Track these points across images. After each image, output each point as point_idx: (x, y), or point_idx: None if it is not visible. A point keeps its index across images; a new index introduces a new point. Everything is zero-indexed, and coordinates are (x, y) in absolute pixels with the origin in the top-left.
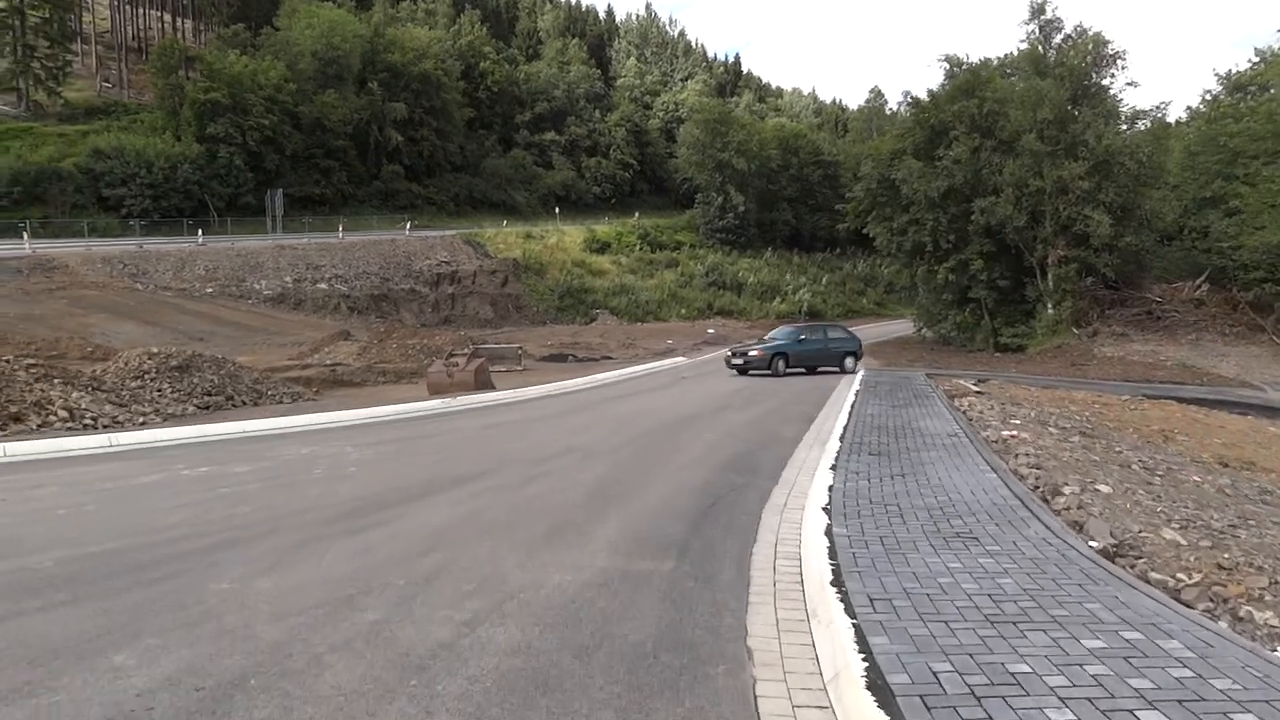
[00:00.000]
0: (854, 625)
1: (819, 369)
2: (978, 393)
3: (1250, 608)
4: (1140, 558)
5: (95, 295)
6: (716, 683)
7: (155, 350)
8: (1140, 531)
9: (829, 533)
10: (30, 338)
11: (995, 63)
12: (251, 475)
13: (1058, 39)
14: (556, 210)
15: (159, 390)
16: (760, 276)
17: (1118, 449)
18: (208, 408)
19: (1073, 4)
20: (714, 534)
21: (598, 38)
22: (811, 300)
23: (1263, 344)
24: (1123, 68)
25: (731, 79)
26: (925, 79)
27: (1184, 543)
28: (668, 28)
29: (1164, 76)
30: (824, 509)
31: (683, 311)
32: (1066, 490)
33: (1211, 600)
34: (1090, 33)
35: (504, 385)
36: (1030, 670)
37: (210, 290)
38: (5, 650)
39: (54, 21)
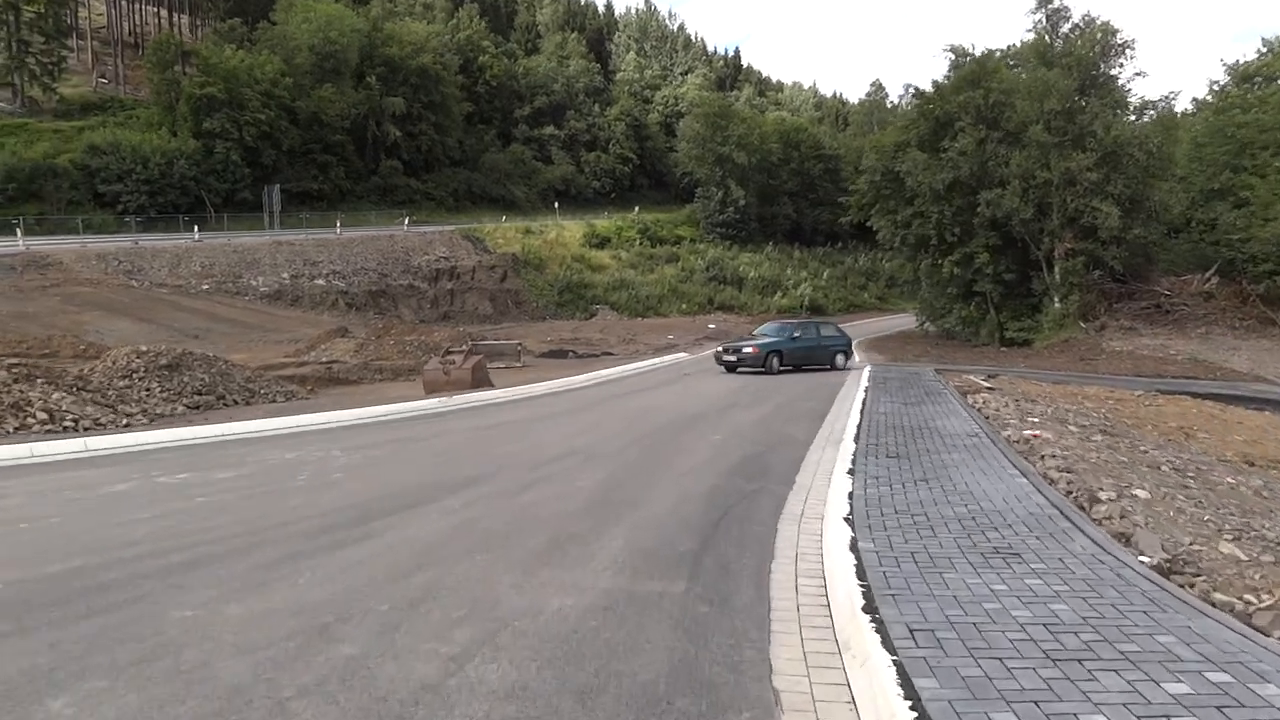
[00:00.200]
0: (894, 663)
1: (811, 367)
2: (989, 388)
3: None
4: (1199, 575)
5: (89, 292)
6: None
7: (144, 348)
8: (1192, 544)
9: (854, 548)
10: (22, 336)
11: (1001, 53)
12: (231, 483)
13: (1065, 28)
14: (556, 205)
15: (147, 390)
16: (761, 271)
17: (1142, 448)
18: (198, 407)
19: None
20: (727, 548)
21: (597, 31)
22: (813, 295)
23: (1274, 337)
24: (1131, 57)
25: (731, 73)
26: (928, 71)
27: (1244, 557)
28: (667, 21)
29: (1163, 70)
30: (845, 519)
31: (683, 307)
32: (1103, 495)
33: None
34: (1099, 21)
35: (502, 383)
36: None
37: (206, 287)
38: None
39: (49, 17)
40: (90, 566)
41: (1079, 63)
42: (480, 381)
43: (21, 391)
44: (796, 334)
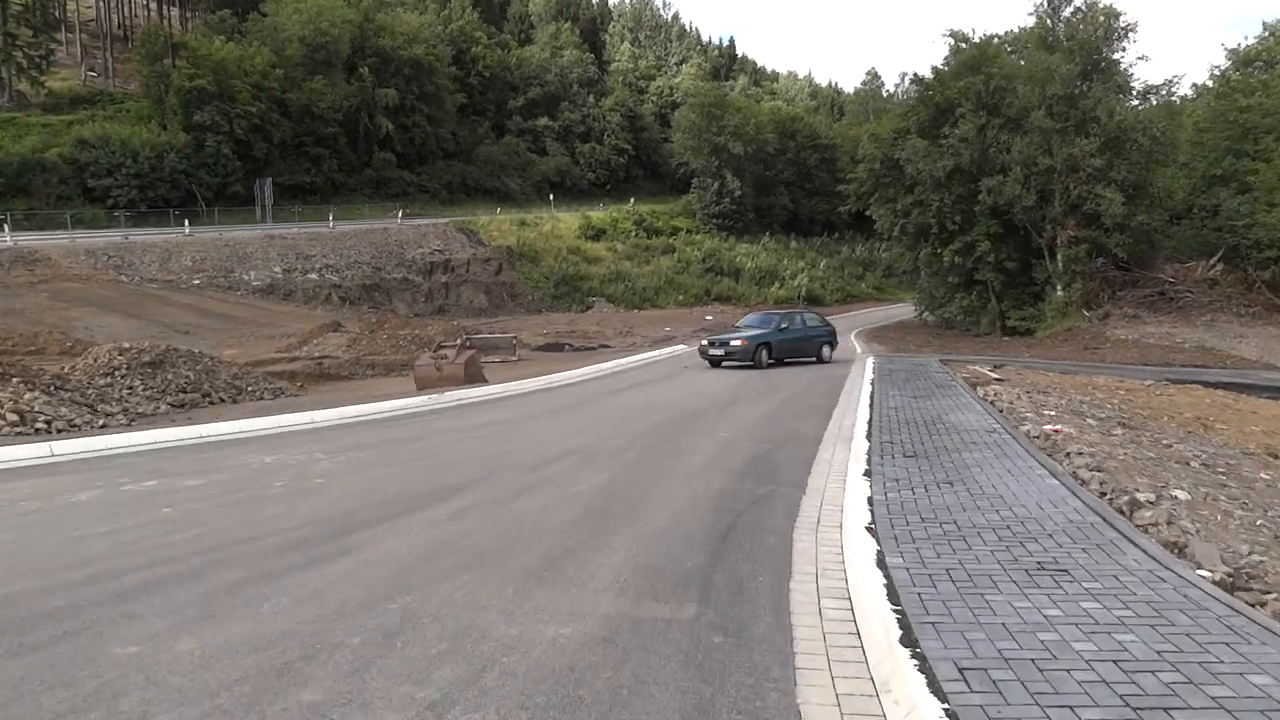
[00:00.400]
0: (947, 713)
1: (797, 360)
2: (997, 380)
3: None
4: (1268, 592)
5: (78, 288)
6: None
7: (127, 345)
8: (1250, 554)
9: (882, 563)
10: (8, 333)
11: (1000, 39)
12: (203, 491)
13: (1067, 11)
14: (551, 197)
15: (129, 388)
16: (758, 262)
17: (1165, 442)
18: (182, 406)
19: None
20: (739, 563)
21: (590, 22)
22: (810, 285)
23: None
24: (1134, 41)
25: (726, 63)
26: (924, 60)
27: None
28: (661, 11)
29: (1157, 56)
30: (868, 529)
31: (680, 298)
32: (1140, 497)
33: None
34: (1102, 4)
35: (497, 378)
36: None
37: (197, 282)
38: None
39: (36, 9)
40: (31, 592)
41: (1081, 47)
42: (474, 377)
43: None
44: (784, 325)
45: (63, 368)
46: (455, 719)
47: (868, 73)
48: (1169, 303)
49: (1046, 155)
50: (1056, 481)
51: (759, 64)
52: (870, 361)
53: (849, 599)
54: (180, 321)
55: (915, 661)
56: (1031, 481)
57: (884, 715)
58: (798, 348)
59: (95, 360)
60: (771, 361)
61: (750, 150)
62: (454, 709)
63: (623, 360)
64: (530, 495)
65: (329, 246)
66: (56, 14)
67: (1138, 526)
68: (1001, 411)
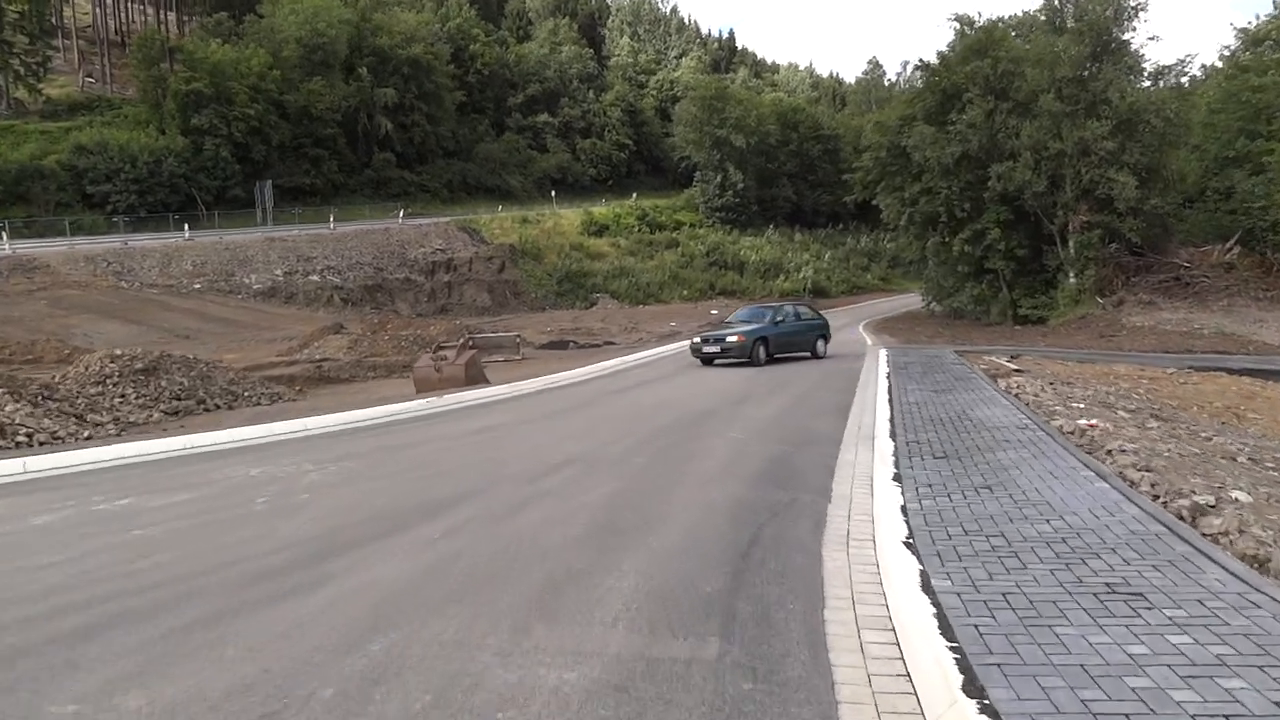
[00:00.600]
0: None
1: (791, 355)
2: (1016, 370)
3: None
4: None
5: (77, 295)
6: None
7: (119, 352)
8: None
9: (928, 587)
10: (4, 341)
11: (1008, 22)
12: (178, 510)
13: None
14: (552, 193)
15: (122, 396)
16: (762, 255)
17: (1204, 434)
18: (176, 413)
19: None
20: (765, 587)
21: (589, 17)
22: (815, 277)
23: None
24: (1145, 21)
25: (726, 55)
26: (926, 47)
27: None
28: (660, 5)
29: (1164, 37)
30: (906, 544)
31: (684, 293)
32: (1199, 500)
33: None
34: None
35: (499, 378)
36: None
37: (198, 286)
38: None
39: (33, 16)
40: None
41: (1091, 27)
42: (475, 378)
43: None
44: (779, 319)
45: (53, 377)
46: None
47: (869, 62)
48: (1184, 288)
49: (1057, 139)
50: (1105, 484)
51: (759, 56)
52: (883, 354)
53: (893, 630)
54: (181, 326)
55: (985, 718)
56: (1078, 484)
57: None
58: (793, 342)
59: (87, 368)
60: (768, 358)
61: (752, 142)
62: None
63: (628, 357)
64: (531, 509)
65: (330, 248)
66: (53, 20)
67: (1206, 536)
68: (1028, 405)
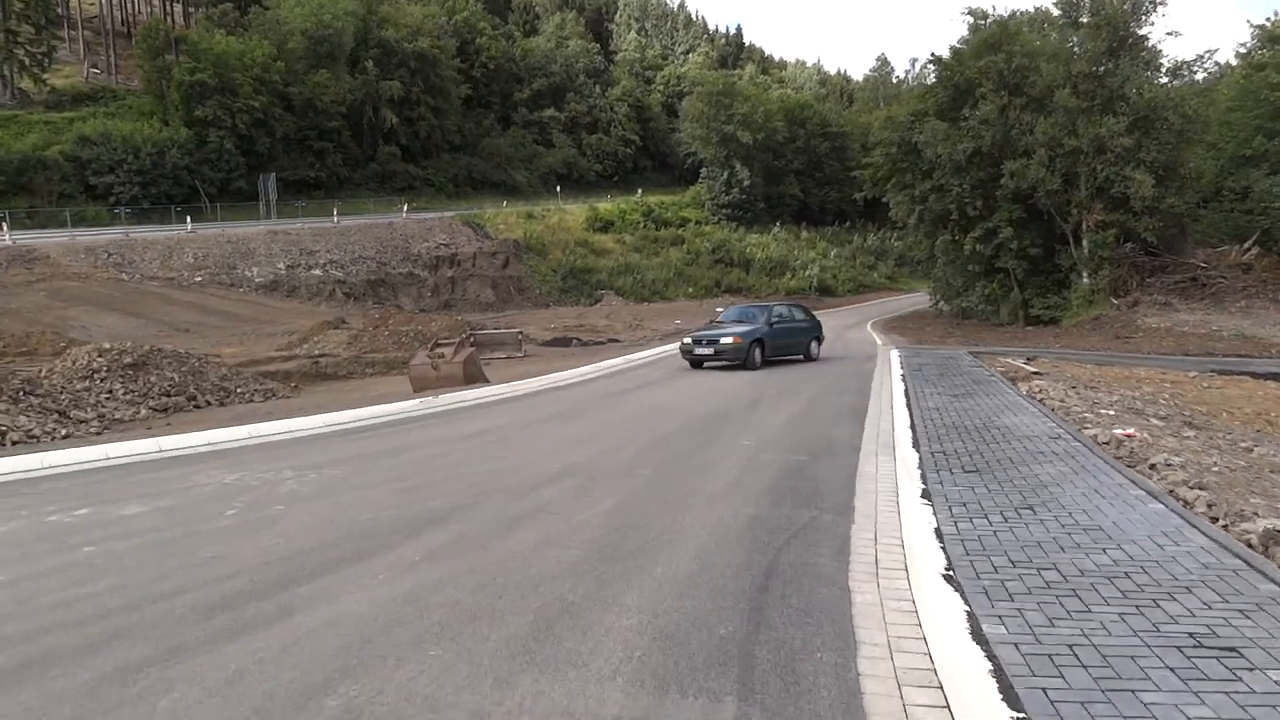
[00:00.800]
0: None
1: (785, 358)
2: (1035, 373)
3: None
4: None
5: (77, 287)
6: None
7: (108, 346)
8: None
9: (979, 634)
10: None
11: (1022, 17)
12: (138, 523)
13: None
14: (558, 189)
15: (109, 392)
16: (769, 252)
17: (1243, 444)
18: (165, 410)
19: None
20: (787, 629)
21: (596, 11)
22: (821, 275)
23: None
24: (1163, 15)
25: (734, 51)
26: (934, 44)
27: None
28: (667, 0)
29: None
30: (945, 577)
31: (690, 290)
32: (1265, 523)
33: None
34: None
35: (499, 376)
36: None
37: (199, 279)
38: None
39: (39, 6)
40: None
41: (1108, 21)
42: (473, 377)
43: None
44: (774, 320)
45: (39, 371)
46: None
47: (877, 59)
48: (1201, 289)
49: (1072, 136)
50: (1159, 505)
51: (766, 52)
52: (895, 355)
53: (940, 688)
54: (180, 319)
55: None
56: (1129, 505)
57: None
58: (788, 345)
59: (74, 363)
60: (763, 361)
61: (759, 139)
62: None
63: (632, 356)
64: (524, 528)
65: (333, 242)
66: (59, 11)
67: None
68: (1055, 411)
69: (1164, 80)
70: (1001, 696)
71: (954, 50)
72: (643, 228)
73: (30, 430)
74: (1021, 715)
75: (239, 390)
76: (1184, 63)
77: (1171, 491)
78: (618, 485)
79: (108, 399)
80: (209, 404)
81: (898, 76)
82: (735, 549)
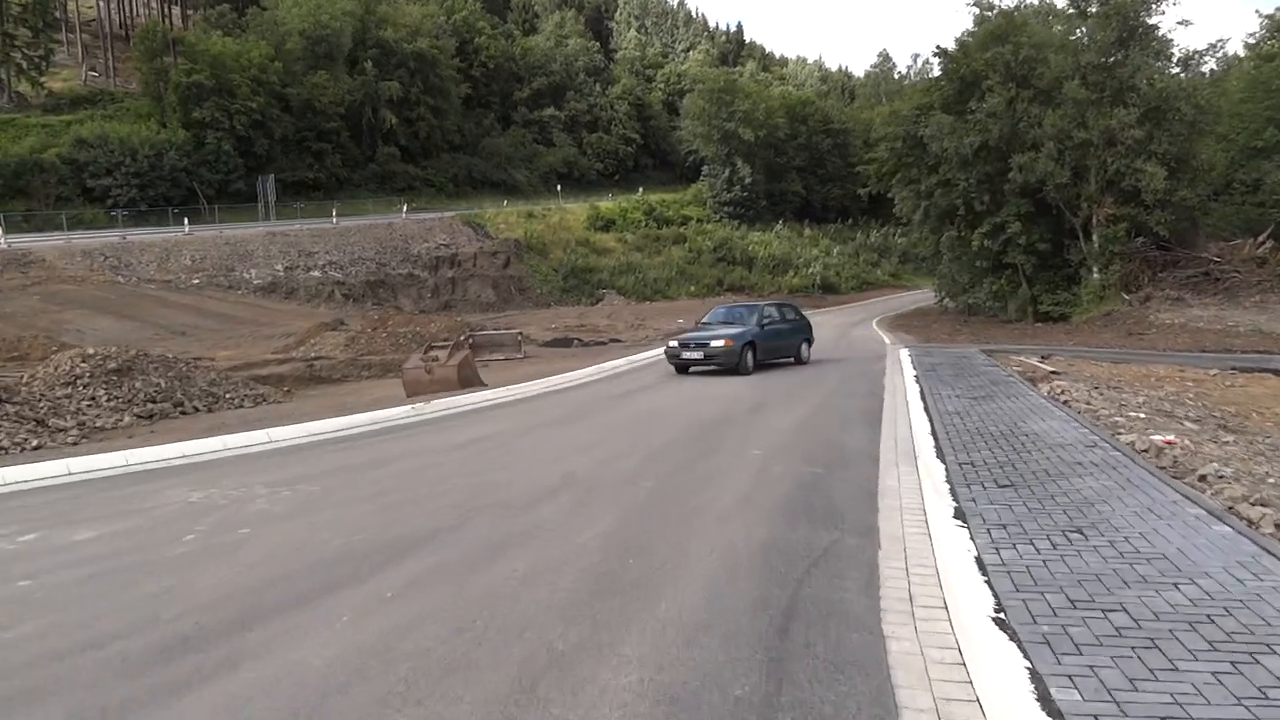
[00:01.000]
0: None
1: (777, 362)
2: (1053, 372)
3: None
4: None
5: (72, 290)
6: None
7: (92, 351)
8: None
9: (1047, 701)
10: None
11: (1027, 10)
12: (87, 550)
13: None
14: (558, 188)
15: (91, 399)
16: (771, 250)
17: None
18: (150, 417)
19: None
20: (814, 688)
21: (596, 10)
22: (824, 273)
23: None
24: (1174, 4)
25: (734, 48)
26: (937, 39)
27: None
28: None
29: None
30: (995, 620)
31: (692, 289)
32: None
33: None
34: None
35: (497, 379)
36: None
37: (197, 281)
38: None
39: (36, 9)
40: None
41: (1118, 10)
42: (468, 380)
43: None
44: (765, 321)
45: (20, 378)
46: None
47: (879, 55)
48: (1214, 284)
49: (1081, 128)
50: (1225, 527)
51: (767, 49)
52: (905, 354)
53: None
54: (177, 322)
55: None
56: (1190, 527)
57: None
58: (780, 347)
59: (56, 368)
60: (755, 365)
61: (761, 136)
62: None
63: (634, 356)
64: (511, 554)
65: (332, 243)
66: (57, 14)
67: None
68: (1082, 414)
69: (1175, 71)
70: None
71: (960, 42)
72: (644, 226)
73: None
74: None
75: (228, 395)
76: (1196, 52)
77: (1232, 509)
78: (618, 500)
79: (90, 406)
80: (197, 410)
81: (899, 72)
82: (749, 580)
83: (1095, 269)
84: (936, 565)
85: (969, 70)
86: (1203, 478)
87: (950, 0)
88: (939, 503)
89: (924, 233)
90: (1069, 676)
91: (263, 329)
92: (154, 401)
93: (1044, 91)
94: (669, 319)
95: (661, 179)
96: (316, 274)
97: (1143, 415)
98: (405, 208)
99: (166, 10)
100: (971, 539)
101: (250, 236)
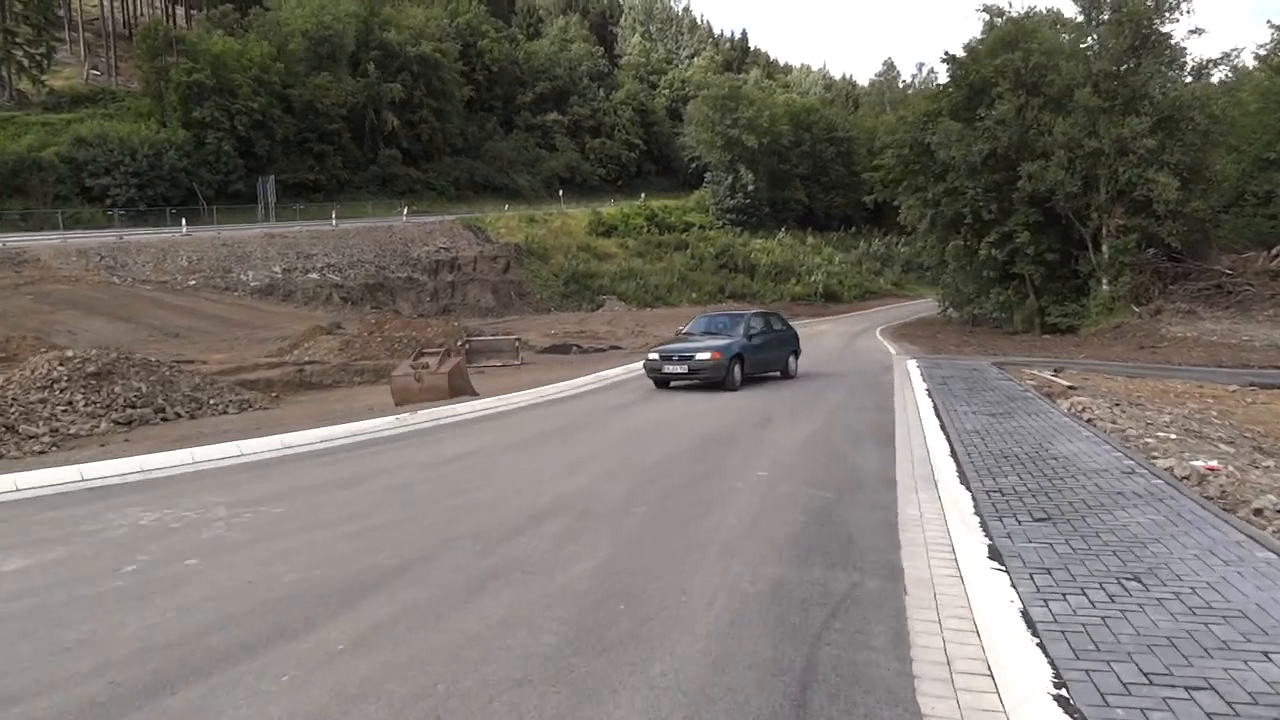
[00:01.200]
0: None
1: (763, 377)
2: (1070, 387)
3: None
4: None
5: (66, 290)
6: None
7: (70, 353)
8: None
9: None
10: None
11: (1036, 17)
12: (10, 584)
13: None
14: (560, 193)
15: (68, 404)
16: (774, 257)
17: None
18: (129, 423)
19: None
20: None
21: (600, 15)
22: (827, 281)
23: None
24: (1188, 12)
25: (739, 55)
26: (940, 48)
27: None
28: (672, 4)
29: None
30: (1057, 699)
31: (693, 296)
32: None
33: None
34: None
35: (493, 387)
36: None
37: (193, 282)
38: None
39: (38, 7)
40: None
41: (1130, 18)
42: (459, 389)
43: None
44: (751, 331)
45: None
46: None
47: (883, 63)
48: (1226, 296)
49: (1092, 137)
50: None
51: (772, 57)
52: (913, 365)
53: None
54: (171, 324)
55: None
56: (1264, 575)
57: None
58: (768, 360)
59: (33, 372)
60: (743, 380)
61: (764, 143)
62: None
63: (632, 365)
64: (487, 596)
65: (331, 245)
66: (60, 12)
67: None
68: (1110, 434)
69: (1188, 79)
70: None
71: (968, 48)
72: (646, 232)
73: None
74: None
75: (212, 401)
76: (1209, 61)
77: None
78: (608, 531)
79: (65, 411)
80: (178, 416)
81: (904, 81)
82: (758, 635)
83: (1105, 280)
84: (974, 618)
85: (978, 77)
86: (1258, 511)
87: (957, 8)
88: (969, 538)
89: (929, 241)
90: None
91: (258, 331)
92: (134, 407)
93: (1054, 99)
94: (669, 326)
95: (664, 185)
96: (314, 276)
97: (1173, 436)
98: (405, 210)
99: (170, 9)
100: (1013, 586)
101: (248, 238)
